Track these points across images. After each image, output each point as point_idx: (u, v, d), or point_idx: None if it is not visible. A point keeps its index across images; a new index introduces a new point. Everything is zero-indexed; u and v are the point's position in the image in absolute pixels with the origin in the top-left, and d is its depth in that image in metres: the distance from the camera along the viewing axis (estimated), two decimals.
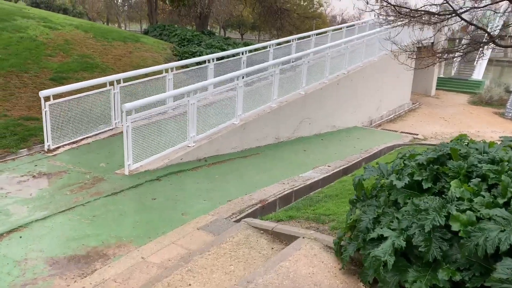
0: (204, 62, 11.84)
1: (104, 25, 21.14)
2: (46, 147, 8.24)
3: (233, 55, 13.25)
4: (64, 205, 6.00)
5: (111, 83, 9.33)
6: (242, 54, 13.08)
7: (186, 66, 11.81)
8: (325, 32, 18.34)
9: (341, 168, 9.10)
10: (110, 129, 9.45)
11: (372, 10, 8.57)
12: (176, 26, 23.76)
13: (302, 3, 40.48)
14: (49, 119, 8.14)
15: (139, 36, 17.60)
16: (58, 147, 8.40)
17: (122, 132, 8.47)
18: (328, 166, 9.16)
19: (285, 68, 11.44)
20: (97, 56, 13.11)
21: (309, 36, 16.92)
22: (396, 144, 12.73)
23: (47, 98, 8.12)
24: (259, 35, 51.91)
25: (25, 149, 8.27)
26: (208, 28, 27.56)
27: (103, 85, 9.30)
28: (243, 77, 9.68)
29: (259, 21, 34.55)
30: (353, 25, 20.75)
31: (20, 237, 5.11)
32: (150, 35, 20.35)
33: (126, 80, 9.71)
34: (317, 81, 13.12)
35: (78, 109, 8.68)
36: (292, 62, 12.31)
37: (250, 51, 13.49)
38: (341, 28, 19.57)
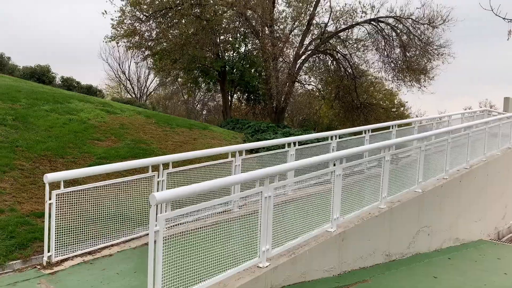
0: (283, 146, 8.99)
1: (171, 115, 19.77)
2: (44, 260, 5.44)
3: (317, 140, 10.36)
4: None
5: (156, 168, 6.66)
6: (331, 139, 10.14)
7: (257, 151, 9.04)
8: (429, 119, 15.12)
9: None
10: (147, 234, 6.55)
11: None
12: (249, 120, 22.01)
13: (382, 103, 37.88)
14: (55, 216, 5.45)
15: (207, 125, 15.62)
16: (64, 260, 5.57)
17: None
18: None
19: (396, 155, 8.19)
20: (155, 142, 10.88)
21: (410, 124, 13.78)
22: None
23: (54, 185, 5.53)
24: None
25: (18, 261, 5.54)
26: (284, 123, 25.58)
27: (145, 170, 6.66)
28: (341, 162, 6.57)
29: (337, 118, 32.33)
30: (459, 113, 17.38)
31: None
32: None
33: (177, 165, 7.03)
34: (434, 176, 9.60)
35: (102, 203, 5.97)
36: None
37: (341, 136, 10.53)
38: (445, 117, 16.28)
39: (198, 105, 69.42)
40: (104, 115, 11.62)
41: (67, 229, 5.61)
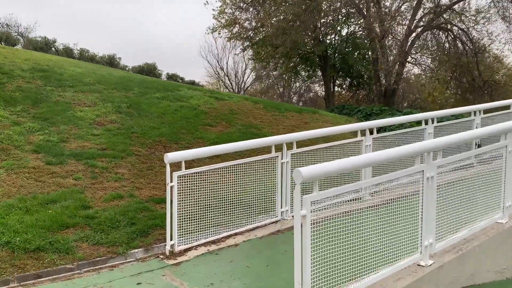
0: (419, 124, 7.68)
1: (275, 101, 19.14)
2: (167, 249, 4.92)
3: (455, 117, 8.83)
4: None
5: (279, 148, 5.85)
6: (474, 114, 8.51)
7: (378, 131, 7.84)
8: None
9: None
10: (273, 222, 5.79)
11: None
12: (357, 106, 20.53)
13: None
14: (177, 200, 4.90)
15: (316, 109, 14.65)
16: (188, 249, 5.00)
17: (291, 228, 4.84)
18: None
19: None
20: (265, 126, 10.22)
21: None
22: None
23: (175, 166, 4.99)
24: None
25: (140, 249, 5.11)
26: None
27: (268, 151, 5.91)
28: None
29: (449, 104, 29.03)
30: None
31: None
32: None
33: (299, 145, 6.16)
34: None
35: (222, 187, 5.33)
36: None
37: (485, 111, 8.81)
38: None
39: (294, 97, 68.54)
40: (213, 101, 11.26)
41: (188, 215, 5.04)
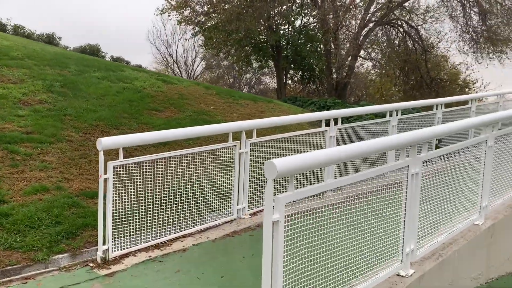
0: (383, 116, 7.22)
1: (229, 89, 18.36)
2: (99, 255, 4.03)
3: (417, 110, 8.51)
4: None
5: (236, 136, 5.10)
6: (436, 108, 8.20)
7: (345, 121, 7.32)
8: None
9: None
10: (228, 222, 5.04)
11: None
12: (309, 98, 20.20)
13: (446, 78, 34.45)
14: (112, 196, 4.01)
15: (271, 99, 14.01)
16: (125, 255, 4.13)
17: (249, 228, 4.34)
18: None
19: None
20: (219, 114, 9.40)
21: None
22: None
23: (112, 154, 4.10)
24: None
25: (65, 255, 4.17)
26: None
27: (222, 139, 5.14)
28: (493, 129, 4.71)
29: (394, 100, 29.58)
30: None
31: None
32: None
33: (257, 135, 5.44)
34: None
35: (168, 181, 4.49)
36: None
37: (447, 105, 8.55)
38: None
39: (245, 89, 67.79)
40: (161, 84, 10.25)
41: (126, 213, 4.17)
